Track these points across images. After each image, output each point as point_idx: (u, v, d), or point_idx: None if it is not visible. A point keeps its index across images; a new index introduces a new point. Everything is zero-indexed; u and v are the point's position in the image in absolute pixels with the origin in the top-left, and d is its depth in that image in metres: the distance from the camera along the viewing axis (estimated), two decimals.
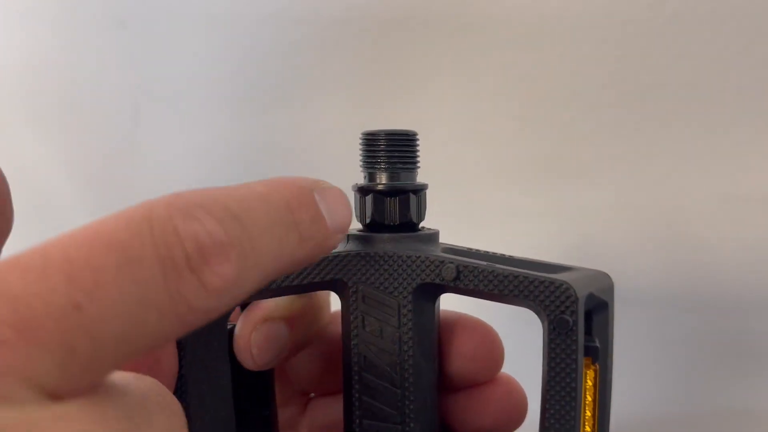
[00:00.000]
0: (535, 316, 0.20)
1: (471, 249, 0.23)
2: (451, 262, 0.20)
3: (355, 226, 0.22)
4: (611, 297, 0.22)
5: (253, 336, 0.23)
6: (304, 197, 0.18)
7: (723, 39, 0.41)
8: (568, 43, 0.44)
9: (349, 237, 0.23)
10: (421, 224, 0.23)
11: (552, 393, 0.19)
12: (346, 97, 0.49)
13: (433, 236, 0.23)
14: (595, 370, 0.21)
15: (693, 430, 0.50)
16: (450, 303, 0.25)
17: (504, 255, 0.22)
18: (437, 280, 0.20)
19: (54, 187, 0.57)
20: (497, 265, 0.20)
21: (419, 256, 0.21)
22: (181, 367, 0.20)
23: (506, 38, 0.45)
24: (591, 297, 0.20)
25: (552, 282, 0.19)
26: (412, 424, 0.21)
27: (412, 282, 0.20)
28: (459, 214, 0.46)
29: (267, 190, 0.18)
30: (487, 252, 0.22)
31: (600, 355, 0.21)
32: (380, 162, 0.22)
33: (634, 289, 0.47)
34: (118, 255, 0.14)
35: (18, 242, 0.65)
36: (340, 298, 0.23)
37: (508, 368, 0.25)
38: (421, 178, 0.24)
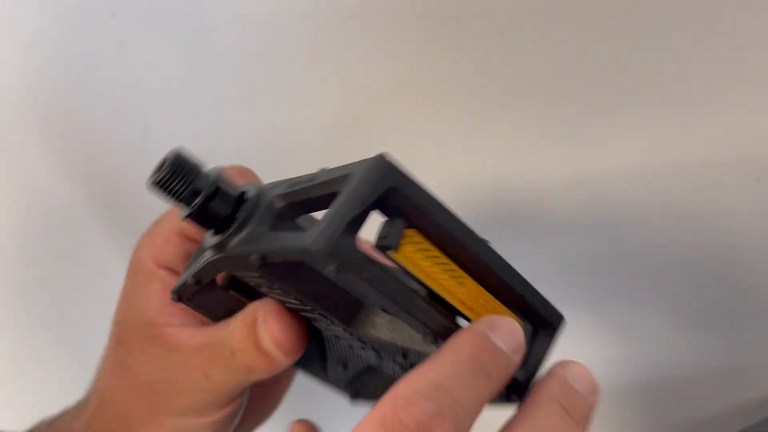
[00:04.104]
0: None
1: (295, 181, 0.26)
2: (251, 256, 0.24)
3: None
4: (398, 179, 0.22)
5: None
6: (482, 343, 0.22)
7: None
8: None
9: (208, 249, 0.26)
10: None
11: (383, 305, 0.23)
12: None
13: (252, 197, 0.25)
14: (413, 238, 0.23)
15: (693, 389, 0.52)
16: None
17: (306, 180, 0.25)
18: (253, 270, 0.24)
19: (63, 195, 0.59)
20: (279, 240, 0.23)
21: (232, 255, 0.25)
22: None
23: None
24: (361, 214, 0.22)
25: (304, 248, 0.21)
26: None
27: (252, 267, 0.24)
28: None
29: (453, 354, 0.22)
30: (303, 181, 0.25)
31: (413, 215, 0.23)
32: (180, 189, 0.24)
33: (640, 253, 0.48)
34: None
35: (27, 249, 0.67)
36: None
37: None
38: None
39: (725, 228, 0.45)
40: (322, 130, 0.52)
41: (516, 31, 0.45)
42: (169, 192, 0.24)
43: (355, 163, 0.23)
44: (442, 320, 0.23)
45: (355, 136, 0.52)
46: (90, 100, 0.55)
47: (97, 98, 0.55)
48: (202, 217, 0.25)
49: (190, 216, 0.24)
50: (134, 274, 0.33)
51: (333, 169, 0.24)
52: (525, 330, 0.25)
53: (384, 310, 0.27)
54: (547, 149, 0.48)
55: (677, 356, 0.51)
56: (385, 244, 0.22)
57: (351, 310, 0.27)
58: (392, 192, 0.22)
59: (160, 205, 0.56)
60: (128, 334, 0.32)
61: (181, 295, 0.30)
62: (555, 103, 0.46)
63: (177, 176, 0.24)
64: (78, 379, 0.40)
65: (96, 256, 0.59)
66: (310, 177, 0.25)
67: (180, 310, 0.32)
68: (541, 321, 0.26)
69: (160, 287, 0.32)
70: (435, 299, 0.24)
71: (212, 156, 0.55)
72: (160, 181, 0.24)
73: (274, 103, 0.53)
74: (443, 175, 0.50)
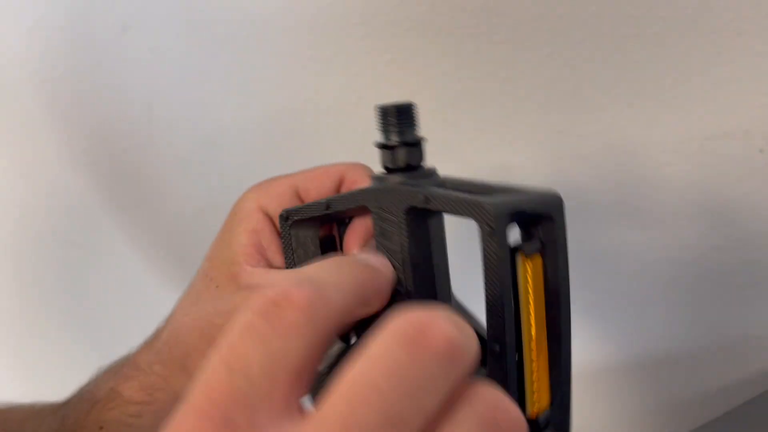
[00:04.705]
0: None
1: (460, 178, 0.29)
2: (421, 192, 0.27)
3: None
4: (557, 211, 0.27)
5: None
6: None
7: None
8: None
9: (374, 178, 0.30)
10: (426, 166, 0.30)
11: (486, 283, 0.25)
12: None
13: (429, 172, 0.30)
14: (537, 264, 0.26)
15: (699, 361, 0.52)
16: None
17: (480, 182, 0.29)
18: (416, 204, 0.27)
19: (70, 180, 0.59)
20: (452, 192, 0.27)
21: (404, 188, 0.28)
22: None
23: None
24: (521, 213, 0.26)
25: (480, 203, 0.25)
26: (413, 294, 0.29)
27: (401, 205, 0.28)
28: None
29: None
30: (472, 180, 0.29)
31: (548, 251, 0.26)
32: (389, 126, 0.29)
33: (641, 226, 0.49)
34: None
35: (32, 235, 0.67)
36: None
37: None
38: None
39: (728, 200, 0.45)
40: (322, 113, 0.53)
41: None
42: (399, 120, 0.29)
43: (525, 186, 0.27)
44: (500, 330, 0.25)
45: (355, 120, 0.52)
46: (95, 85, 0.55)
47: (102, 83, 0.55)
48: (399, 153, 0.29)
49: (401, 144, 0.29)
50: (234, 213, 0.35)
51: (499, 183, 0.28)
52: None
53: (457, 305, 0.31)
54: (548, 125, 0.48)
55: (679, 331, 0.52)
56: (521, 247, 0.26)
57: (426, 292, 0.29)
58: (547, 219, 0.26)
59: (165, 190, 0.57)
60: (213, 270, 0.34)
61: (289, 216, 0.33)
62: (557, 79, 0.46)
63: (410, 115, 0.29)
64: (87, 360, 0.41)
65: (104, 241, 0.59)
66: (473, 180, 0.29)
67: (259, 253, 0.33)
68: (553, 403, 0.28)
69: (251, 228, 0.34)
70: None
71: (215, 138, 0.56)
72: (401, 108, 0.29)
73: (275, 85, 0.53)
74: (448, 158, 0.50)
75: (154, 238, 0.60)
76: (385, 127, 0.30)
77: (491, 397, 0.17)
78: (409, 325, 0.17)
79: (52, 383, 0.42)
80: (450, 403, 0.17)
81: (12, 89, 0.56)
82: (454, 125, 0.50)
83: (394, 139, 0.29)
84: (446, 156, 0.48)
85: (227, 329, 0.18)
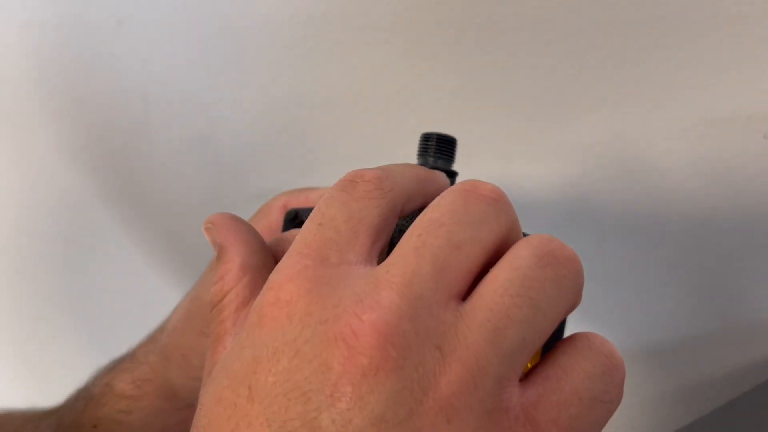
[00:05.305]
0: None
1: None
2: None
3: None
4: None
5: None
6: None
7: None
8: None
9: None
10: None
11: None
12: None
13: None
14: None
15: (704, 349, 0.52)
16: None
17: None
18: None
19: (64, 178, 0.59)
20: None
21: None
22: None
23: None
24: None
25: None
26: None
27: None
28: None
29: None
30: None
31: None
32: (429, 152, 0.30)
33: (645, 214, 0.48)
34: None
35: (30, 233, 0.67)
36: None
37: None
38: None
39: (732, 185, 0.45)
40: (320, 106, 0.52)
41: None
42: (438, 149, 0.30)
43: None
44: None
45: (354, 114, 0.52)
46: (90, 80, 0.54)
47: (97, 78, 0.54)
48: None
49: (433, 168, 0.30)
50: (260, 209, 0.37)
51: None
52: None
53: None
54: (549, 114, 0.47)
55: (683, 317, 0.52)
56: None
57: None
58: None
59: (162, 186, 0.56)
60: None
61: (297, 215, 0.33)
62: (558, 68, 0.46)
63: (451, 148, 0.31)
64: (83, 358, 0.40)
65: (102, 237, 0.59)
66: None
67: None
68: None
69: (266, 224, 0.35)
70: None
71: (211, 132, 0.56)
72: (442, 138, 0.30)
73: (272, 79, 0.53)
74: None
75: (153, 233, 0.59)
76: (425, 151, 0.31)
77: (546, 237, 0.21)
78: (463, 184, 0.21)
79: (52, 382, 0.42)
80: (507, 242, 0.21)
81: (6, 86, 0.56)
82: (454, 116, 0.49)
83: (431, 163, 0.30)
84: None
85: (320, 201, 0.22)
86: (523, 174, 0.49)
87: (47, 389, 0.41)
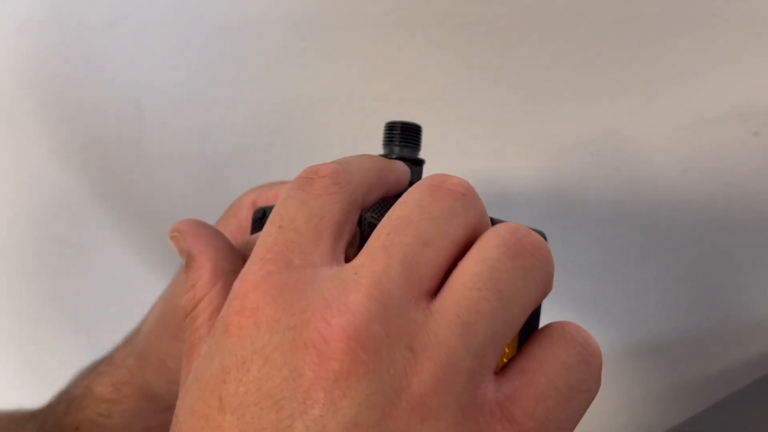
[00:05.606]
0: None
1: None
2: None
3: None
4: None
5: None
6: None
7: None
8: None
9: None
10: None
11: None
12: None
13: None
14: None
15: (700, 345, 0.52)
16: None
17: None
18: None
19: (58, 180, 0.59)
20: None
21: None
22: None
23: None
24: None
25: None
26: None
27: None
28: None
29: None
30: None
31: None
32: (394, 141, 0.30)
33: (639, 212, 0.48)
34: None
35: (26, 235, 0.67)
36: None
37: None
38: None
39: (724, 183, 0.45)
40: (313, 106, 0.52)
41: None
42: (403, 137, 0.30)
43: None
44: None
45: (346, 114, 0.52)
46: (84, 82, 0.55)
47: (90, 80, 0.55)
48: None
49: (401, 159, 0.30)
50: (230, 206, 0.36)
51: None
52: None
53: None
54: (542, 112, 0.47)
55: (678, 315, 0.51)
56: None
57: None
58: None
59: (155, 187, 0.57)
60: None
61: (266, 213, 0.32)
62: (551, 66, 0.46)
63: (416, 134, 0.31)
64: (83, 358, 0.41)
65: (97, 238, 0.59)
66: None
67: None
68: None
69: (236, 224, 0.35)
70: None
71: (206, 132, 0.56)
72: (406, 127, 0.30)
73: (265, 80, 0.53)
74: (442, 151, 0.49)
75: (149, 234, 0.60)
76: (390, 141, 0.31)
77: (513, 225, 0.20)
78: (431, 179, 0.21)
79: (52, 382, 0.42)
80: (476, 235, 0.21)
81: (0, 88, 0.56)
82: (447, 115, 0.49)
83: (396, 152, 0.30)
84: (439, 145, 0.48)
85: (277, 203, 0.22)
86: (516, 171, 0.49)
87: (47, 389, 0.41)
